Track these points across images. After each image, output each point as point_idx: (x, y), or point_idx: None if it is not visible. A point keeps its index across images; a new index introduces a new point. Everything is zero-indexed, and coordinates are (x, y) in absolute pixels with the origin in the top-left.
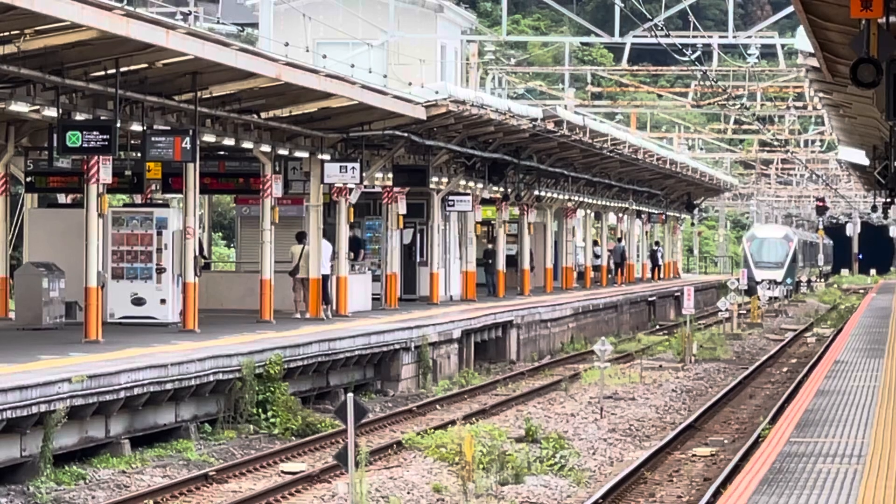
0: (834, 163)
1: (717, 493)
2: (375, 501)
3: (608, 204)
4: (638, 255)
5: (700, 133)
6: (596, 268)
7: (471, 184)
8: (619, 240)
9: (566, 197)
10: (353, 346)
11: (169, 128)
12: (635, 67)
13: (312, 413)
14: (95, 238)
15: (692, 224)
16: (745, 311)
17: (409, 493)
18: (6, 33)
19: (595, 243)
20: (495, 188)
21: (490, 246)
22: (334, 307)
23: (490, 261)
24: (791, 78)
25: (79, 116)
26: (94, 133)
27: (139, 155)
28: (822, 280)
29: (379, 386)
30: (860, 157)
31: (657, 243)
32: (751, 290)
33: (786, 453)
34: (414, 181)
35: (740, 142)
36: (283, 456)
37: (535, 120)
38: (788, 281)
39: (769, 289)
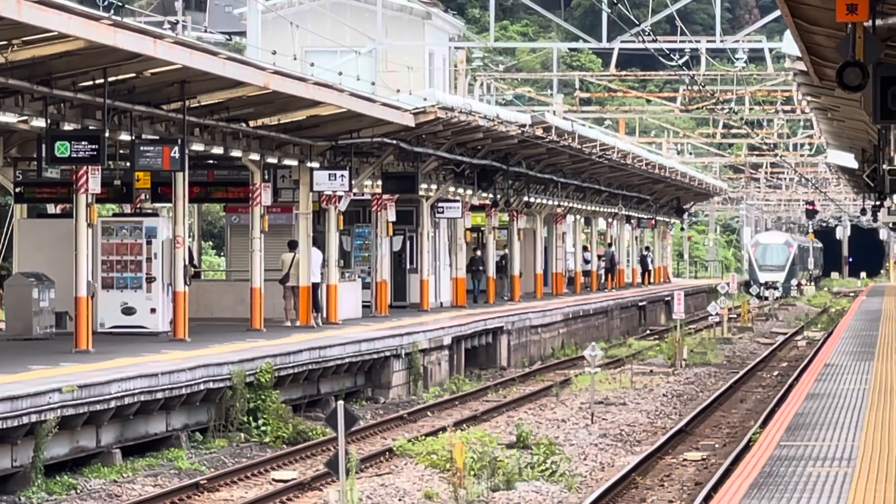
0: (823, 166)
1: (708, 498)
2: None
3: (598, 209)
4: (628, 261)
5: (689, 137)
6: (586, 273)
7: (460, 190)
8: (610, 245)
9: (555, 203)
10: (344, 353)
11: (157, 137)
12: (623, 72)
13: (303, 421)
14: (85, 248)
15: (682, 228)
16: (735, 316)
17: (400, 500)
18: None
19: (585, 249)
20: (484, 194)
21: (478, 253)
22: (324, 315)
23: (480, 267)
24: (779, 82)
25: (67, 127)
26: (83, 143)
27: (128, 164)
28: (812, 283)
29: (370, 393)
30: (849, 161)
31: (647, 248)
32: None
33: (776, 457)
34: (403, 188)
35: (729, 146)
36: (275, 464)
37: (524, 126)
38: (788, 283)
39: (773, 288)
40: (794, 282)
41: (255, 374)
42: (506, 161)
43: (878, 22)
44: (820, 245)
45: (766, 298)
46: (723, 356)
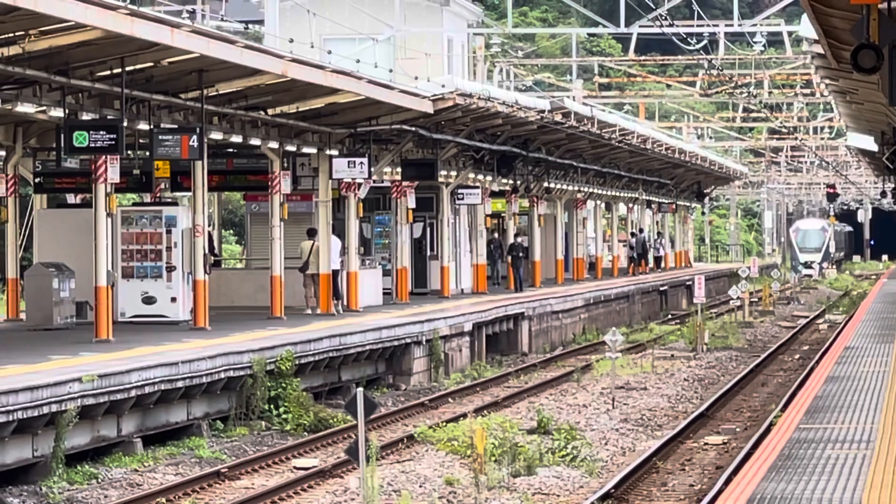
0: (843, 149)
1: (728, 481)
2: (387, 495)
3: (618, 194)
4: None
5: (709, 122)
6: (632, 259)
7: (479, 177)
8: (641, 230)
9: (576, 188)
10: (365, 340)
11: (176, 126)
12: (643, 58)
13: (324, 408)
14: (104, 237)
15: (703, 213)
16: (756, 300)
17: (420, 486)
18: (11, 34)
19: (633, 235)
20: (504, 181)
21: (518, 240)
22: (345, 302)
23: (520, 254)
24: (798, 65)
25: (85, 116)
26: (101, 133)
27: (147, 154)
28: (834, 266)
29: (391, 380)
30: (869, 143)
31: (659, 234)
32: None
33: (795, 440)
34: (423, 175)
35: (749, 130)
36: (296, 452)
37: (543, 112)
38: (825, 264)
39: (810, 267)
40: (825, 263)
41: (275, 361)
42: (525, 147)
43: (893, 4)
44: (848, 229)
45: (809, 276)
46: (744, 340)
